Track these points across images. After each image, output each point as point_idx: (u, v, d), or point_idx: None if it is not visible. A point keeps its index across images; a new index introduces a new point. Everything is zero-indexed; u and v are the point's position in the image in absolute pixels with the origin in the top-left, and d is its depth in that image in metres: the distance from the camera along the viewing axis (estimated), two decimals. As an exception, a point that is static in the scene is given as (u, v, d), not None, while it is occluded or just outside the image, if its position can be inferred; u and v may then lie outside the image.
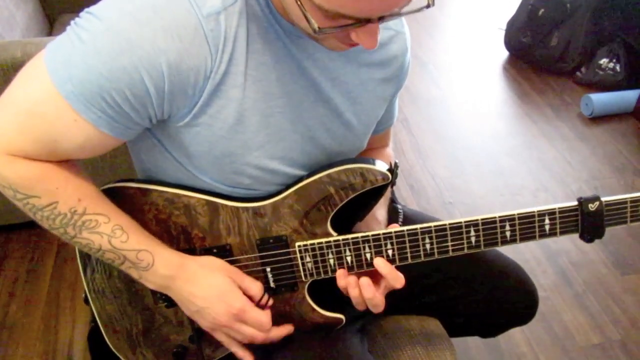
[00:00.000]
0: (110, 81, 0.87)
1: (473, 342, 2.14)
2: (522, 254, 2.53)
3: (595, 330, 2.21)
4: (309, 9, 0.82)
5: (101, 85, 0.87)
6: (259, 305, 1.11)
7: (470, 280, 1.38)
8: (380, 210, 1.25)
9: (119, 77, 0.87)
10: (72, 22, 0.90)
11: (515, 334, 2.18)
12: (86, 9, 0.89)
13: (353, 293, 1.09)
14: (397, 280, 1.08)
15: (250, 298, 1.10)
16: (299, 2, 0.82)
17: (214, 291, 1.06)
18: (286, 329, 1.15)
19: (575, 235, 1.10)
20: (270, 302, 1.13)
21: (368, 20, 0.83)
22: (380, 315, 1.41)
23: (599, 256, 2.53)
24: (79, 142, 0.94)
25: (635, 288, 2.38)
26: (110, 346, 1.20)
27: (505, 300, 1.39)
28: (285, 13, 0.94)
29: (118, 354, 1.21)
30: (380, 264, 1.08)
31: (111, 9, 0.88)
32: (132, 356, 1.21)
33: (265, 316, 1.10)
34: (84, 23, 0.88)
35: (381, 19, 0.83)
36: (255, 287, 1.11)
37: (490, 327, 1.51)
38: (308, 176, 1.08)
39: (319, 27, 0.83)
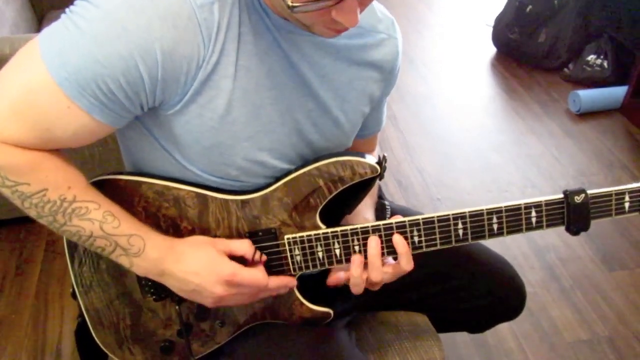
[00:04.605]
0: (106, 68, 0.87)
1: (461, 338, 2.15)
2: (510, 250, 2.54)
3: (582, 326, 2.22)
4: None
5: (96, 71, 0.87)
6: (253, 262, 1.10)
7: (457, 276, 1.38)
8: (368, 213, 1.26)
9: (114, 64, 0.87)
10: (67, 10, 0.90)
11: (503, 330, 2.19)
12: None
13: (355, 272, 1.10)
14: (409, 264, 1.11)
15: (244, 258, 1.09)
16: None
17: (201, 264, 1.05)
18: (287, 279, 1.13)
19: (564, 232, 1.10)
20: (264, 258, 1.11)
21: None
22: (368, 311, 1.42)
23: (586, 252, 2.55)
24: (71, 129, 0.94)
25: (622, 284, 2.40)
26: (97, 341, 1.20)
27: (493, 296, 1.40)
28: (274, 7, 0.95)
29: (105, 349, 1.20)
30: (399, 242, 1.09)
31: None
32: (118, 351, 1.20)
33: (258, 272, 1.08)
34: (80, 10, 0.89)
35: None
36: (243, 246, 1.09)
37: (478, 322, 1.52)
38: (297, 169, 1.09)
39: (291, 3, 0.82)
